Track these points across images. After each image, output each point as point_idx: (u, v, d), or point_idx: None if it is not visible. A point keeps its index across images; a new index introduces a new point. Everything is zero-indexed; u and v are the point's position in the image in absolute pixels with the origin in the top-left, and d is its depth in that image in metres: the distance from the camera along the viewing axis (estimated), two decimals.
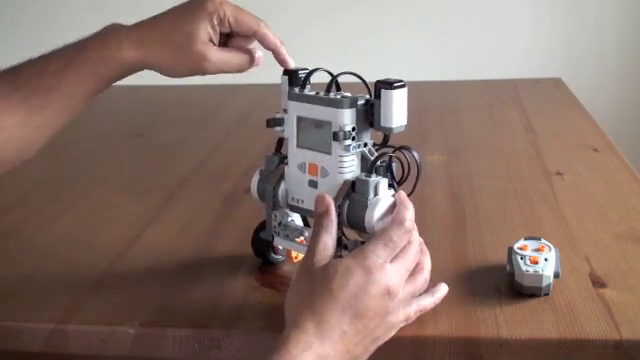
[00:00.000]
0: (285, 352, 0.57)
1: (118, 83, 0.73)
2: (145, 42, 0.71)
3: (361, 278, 0.60)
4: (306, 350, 0.57)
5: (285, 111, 0.71)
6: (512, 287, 0.71)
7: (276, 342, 0.58)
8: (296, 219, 0.75)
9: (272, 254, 0.77)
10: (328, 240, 0.63)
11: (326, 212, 0.64)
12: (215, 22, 0.71)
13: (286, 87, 0.71)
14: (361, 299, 0.60)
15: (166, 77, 0.75)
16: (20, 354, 0.72)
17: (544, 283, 0.69)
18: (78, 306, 0.73)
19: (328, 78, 0.69)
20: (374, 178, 0.66)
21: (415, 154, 0.67)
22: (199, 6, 0.71)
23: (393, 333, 0.63)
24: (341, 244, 0.66)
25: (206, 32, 0.71)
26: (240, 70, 0.74)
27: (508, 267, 0.72)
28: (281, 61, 0.74)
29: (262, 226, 0.77)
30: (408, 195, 0.67)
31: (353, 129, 0.66)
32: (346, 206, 0.67)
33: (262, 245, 0.77)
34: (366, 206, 0.65)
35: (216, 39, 0.72)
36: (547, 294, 0.70)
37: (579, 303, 0.69)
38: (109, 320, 0.70)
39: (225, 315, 0.70)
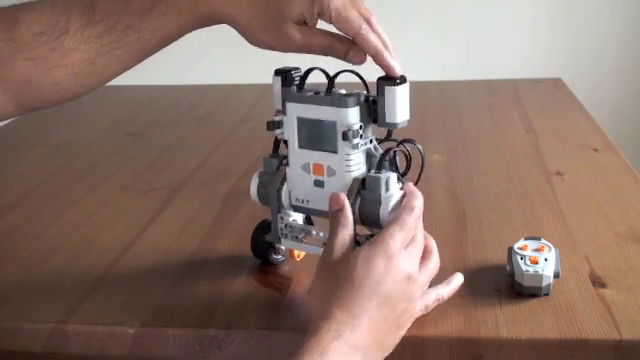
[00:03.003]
0: (315, 342, 0.57)
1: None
2: (240, 1, 0.66)
3: (383, 264, 0.61)
4: (336, 339, 0.57)
5: (279, 112, 0.71)
6: (512, 287, 0.71)
7: (306, 335, 0.58)
8: (298, 218, 0.75)
9: (273, 255, 0.77)
10: (345, 235, 0.64)
11: (342, 210, 0.65)
12: (315, 10, 0.65)
13: (279, 87, 0.70)
14: (385, 285, 0.61)
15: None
16: (20, 354, 0.72)
17: (544, 283, 0.69)
18: (78, 306, 0.73)
19: (320, 75, 0.69)
20: (384, 174, 0.67)
21: (419, 146, 0.68)
22: None
23: (412, 321, 0.64)
24: (354, 240, 0.67)
25: (300, 14, 0.65)
26: (328, 53, 0.67)
27: (508, 267, 0.72)
28: (383, 67, 0.67)
29: (260, 228, 0.77)
30: (414, 184, 0.69)
31: (360, 127, 0.66)
32: (358, 203, 0.67)
33: (264, 247, 0.77)
34: (380, 203, 0.66)
35: (312, 23, 0.66)
36: (547, 294, 0.70)
37: (579, 303, 0.69)
38: (109, 320, 0.70)
39: (225, 315, 0.70)
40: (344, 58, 0.67)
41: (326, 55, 0.68)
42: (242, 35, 0.68)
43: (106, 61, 0.66)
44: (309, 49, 0.67)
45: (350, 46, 0.67)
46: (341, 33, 0.67)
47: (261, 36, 0.67)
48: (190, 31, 0.68)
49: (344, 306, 0.59)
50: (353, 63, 0.68)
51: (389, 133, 0.69)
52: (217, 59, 2.26)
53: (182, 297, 0.74)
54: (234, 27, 0.67)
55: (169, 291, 0.75)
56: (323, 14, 0.66)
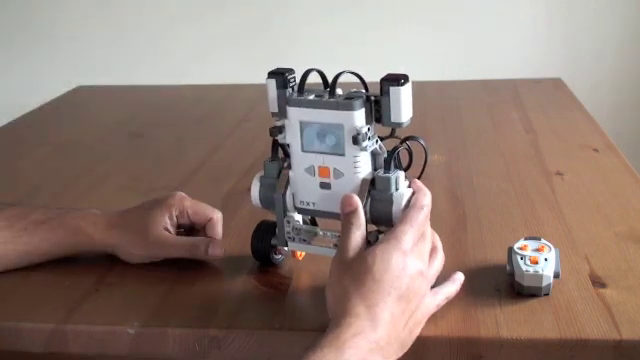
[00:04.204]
0: (334, 337, 0.58)
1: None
2: (112, 225, 0.79)
3: (399, 259, 0.63)
4: (357, 334, 0.58)
5: (275, 114, 0.71)
6: (512, 287, 0.71)
7: (326, 331, 0.59)
8: (300, 220, 0.75)
9: (273, 255, 0.78)
10: (358, 236, 0.66)
11: (355, 211, 0.66)
12: (174, 213, 0.79)
13: (274, 90, 0.70)
14: (402, 280, 0.62)
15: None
16: (20, 354, 0.72)
17: (544, 283, 0.69)
18: (78, 306, 0.73)
19: (316, 76, 0.69)
20: (394, 173, 0.67)
21: (422, 141, 0.69)
22: (163, 200, 0.80)
23: (426, 319, 0.65)
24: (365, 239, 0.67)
25: (163, 221, 0.78)
26: (193, 256, 0.78)
27: (508, 267, 0.72)
28: (210, 241, 0.79)
29: (258, 231, 0.77)
30: (417, 179, 0.70)
31: (368, 129, 0.67)
32: (368, 203, 0.68)
33: (266, 248, 0.77)
34: (392, 202, 0.67)
35: (173, 228, 0.79)
36: (547, 294, 0.70)
37: (579, 303, 0.69)
38: (109, 320, 0.70)
39: (225, 315, 0.70)
40: (205, 254, 0.77)
41: (189, 256, 0.78)
42: (123, 258, 0.79)
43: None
44: (176, 250, 0.78)
45: (208, 241, 0.78)
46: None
47: (134, 251, 0.78)
48: (75, 252, 0.79)
49: (366, 301, 0.61)
50: (213, 257, 0.78)
51: (392, 131, 0.69)
52: (217, 59, 2.26)
53: (182, 297, 0.74)
54: (117, 254, 0.79)
55: (169, 291, 0.75)
56: (182, 215, 0.79)
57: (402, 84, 0.65)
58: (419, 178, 0.70)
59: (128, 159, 1.19)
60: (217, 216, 0.81)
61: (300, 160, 0.71)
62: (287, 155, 0.72)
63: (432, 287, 0.67)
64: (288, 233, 0.74)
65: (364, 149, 0.67)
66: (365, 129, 0.66)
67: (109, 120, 1.45)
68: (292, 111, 0.69)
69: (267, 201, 0.73)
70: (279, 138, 0.71)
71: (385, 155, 0.69)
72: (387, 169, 0.68)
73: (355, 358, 0.57)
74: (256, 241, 0.77)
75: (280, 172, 0.73)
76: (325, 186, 0.70)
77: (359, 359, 0.57)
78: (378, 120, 0.68)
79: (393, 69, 0.69)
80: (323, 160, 0.69)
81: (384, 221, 0.68)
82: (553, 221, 0.87)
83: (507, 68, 2.07)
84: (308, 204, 0.72)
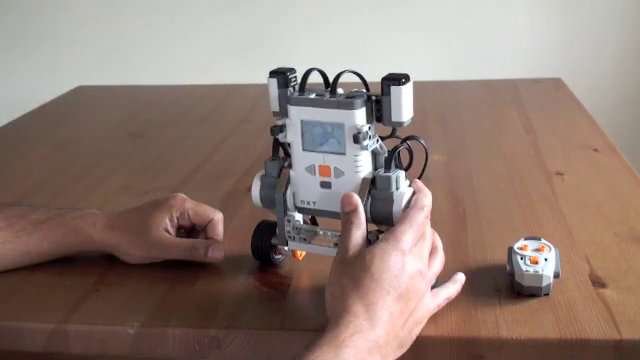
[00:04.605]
0: (333, 336, 0.58)
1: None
2: (112, 226, 0.79)
3: (398, 259, 0.63)
4: (356, 333, 0.58)
5: (276, 114, 0.71)
6: (512, 287, 0.71)
7: (324, 331, 0.59)
8: (300, 219, 0.75)
9: (274, 255, 0.78)
10: (358, 235, 0.66)
11: (355, 211, 0.66)
12: (175, 215, 0.79)
13: (275, 89, 0.70)
14: (401, 279, 0.62)
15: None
16: (20, 354, 0.72)
17: (544, 283, 0.69)
18: (78, 306, 0.73)
19: (317, 76, 0.69)
20: (394, 173, 0.68)
21: (422, 141, 0.69)
22: (163, 201, 0.80)
23: (426, 319, 0.65)
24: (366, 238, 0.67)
25: (163, 222, 0.78)
26: (192, 258, 0.78)
27: (508, 267, 0.72)
28: (211, 238, 0.80)
29: (259, 230, 0.77)
30: (418, 179, 0.70)
31: (369, 128, 0.67)
32: (369, 203, 0.68)
33: (266, 248, 0.77)
34: (392, 201, 0.67)
35: (173, 230, 0.79)
36: (547, 294, 0.70)
37: (579, 303, 0.69)
38: (109, 320, 0.70)
39: (225, 315, 0.70)
40: (204, 257, 0.78)
41: (189, 258, 0.78)
42: (122, 258, 0.79)
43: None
44: (176, 252, 0.78)
45: (208, 244, 0.78)
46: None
47: (133, 251, 0.78)
48: (75, 252, 0.80)
49: (365, 300, 0.61)
50: (213, 260, 0.78)
51: (393, 131, 0.69)
52: (217, 59, 2.26)
53: (182, 297, 0.74)
54: (115, 254, 0.79)
55: (169, 291, 0.75)
56: (183, 217, 0.79)
57: (403, 83, 0.65)
58: (420, 178, 0.70)
59: (128, 159, 1.19)
60: (218, 217, 0.81)
61: (301, 159, 0.71)
62: (288, 154, 0.73)
63: (432, 287, 0.67)
64: (288, 232, 0.74)
65: (365, 148, 0.67)
66: (366, 128, 0.66)
67: (109, 120, 1.45)
68: (293, 110, 0.69)
69: (267, 200, 0.74)
70: (280, 137, 0.71)
71: (386, 154, 0.69)
72: (387, 168, 0.68)
73: (354, 357, 0.57)
74: (256, 241, 0.77)
75: (281, 171, 0.73)
76: (326, 185, 0.70)
77: (358, 358, 0.57)
78: (379, 119, 0.68)
79: (394, 69, 0.69)
80: (324, 159, 0.70)
81: (384, 220, 0.68)
82: (553, 221, 0.87)
83: (507, 68, 2.07)
84: (309, 203, 0.72)
